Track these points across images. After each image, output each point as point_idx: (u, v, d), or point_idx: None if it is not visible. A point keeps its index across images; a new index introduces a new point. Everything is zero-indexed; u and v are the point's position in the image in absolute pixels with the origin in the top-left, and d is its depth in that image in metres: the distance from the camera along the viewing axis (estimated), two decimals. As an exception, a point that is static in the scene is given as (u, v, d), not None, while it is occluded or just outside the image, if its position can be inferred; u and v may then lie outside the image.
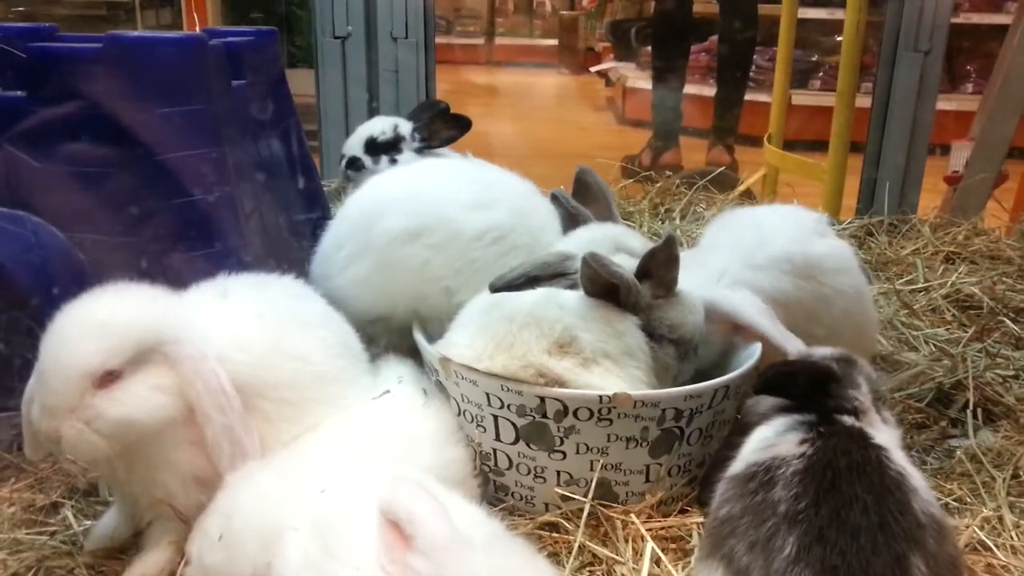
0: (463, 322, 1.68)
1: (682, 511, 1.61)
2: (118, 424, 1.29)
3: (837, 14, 6.00)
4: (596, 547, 1.48)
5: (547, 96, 9.63)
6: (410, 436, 1.54)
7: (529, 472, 1.59)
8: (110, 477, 1.50)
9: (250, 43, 2.15)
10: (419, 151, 2.64)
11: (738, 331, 1.76)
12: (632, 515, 1.54)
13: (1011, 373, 2.13)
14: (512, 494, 1.64)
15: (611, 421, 1.51)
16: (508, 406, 1.54)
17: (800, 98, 6.25)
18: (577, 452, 1.54)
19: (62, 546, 1.50)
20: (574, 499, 1.56)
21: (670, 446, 1.57)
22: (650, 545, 1.45)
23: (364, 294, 1.77)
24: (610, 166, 3.89)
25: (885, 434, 1.32)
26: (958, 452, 1.82)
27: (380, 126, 2.66)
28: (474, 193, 1.80)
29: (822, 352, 1.49)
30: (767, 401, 1.43)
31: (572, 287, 1.63)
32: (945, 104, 4.42)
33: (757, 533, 1.15)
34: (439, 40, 3.99)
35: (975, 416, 1.92)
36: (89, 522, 1.56)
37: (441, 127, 2.65)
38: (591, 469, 1.55)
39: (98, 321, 1.32)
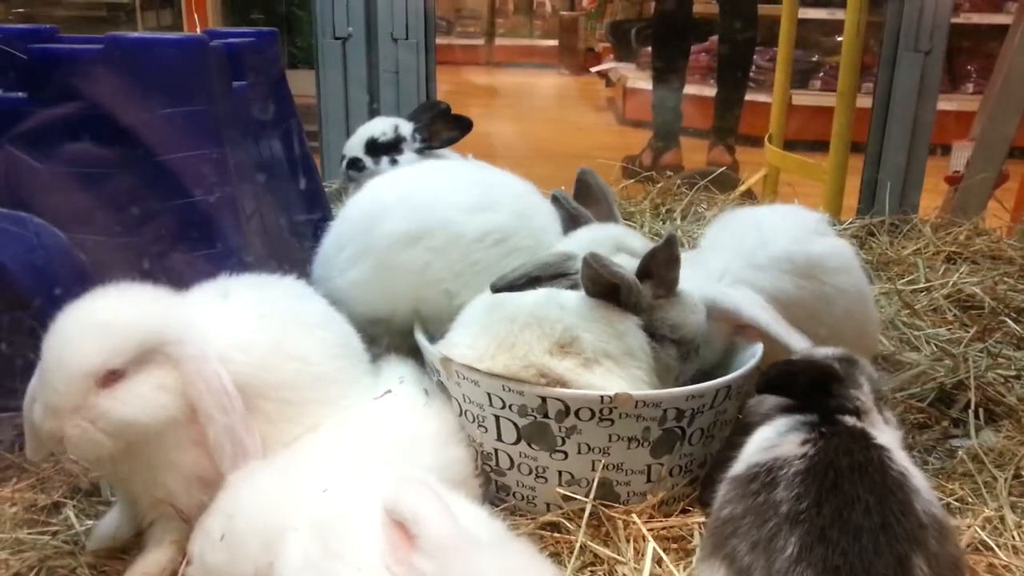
0: (464, 322, 1.68)
1: (683, 511, 1.61)
2: (121, 424, 1.29)
3: (837, 14, 6.00)
4: (597, 547, 1.48)
5: (547, 97, 9.63)
6: (411, 436, 1.54)
7: (531, 472, 1.59)
8: (112, 477, 1.51)
9: (251, 44, 2.15)
10: (420, 152, 2.64)
11: (740, 330, 1.76)
12: (633, 515, 1.54)
13: (1012, 373, 2.12)
14: (513, 494, 1.64)
15: (612, 421, 1.51)
16: (509, 406, 1.54)
17: (801, 98, 6.25)
18: (578, 452, 1.54)
19: (64, 546, 1.50)
20: (575, 499, 1.56)
21: (671, 446, 1.57)
22: (651, 545, 1.45)
23: (365, 296, 1.77)
24: (611, 166, 3.90)
25: (887, 434, 1.32)
26: (960, 452, 1.82)
27: (381, 127, 2.66)
28: (475, 195, 1.80)
29: (824, 352, 1.49)
30: (769, 401, 1.42)
31: (573, 287, 1.64)
32: (946, 104, 4.42)
33: (759, 533, 1.15)
34: (439, 41, 3.99)
35: (977, 416, 1.92)
36: (91, 522, 1.56)
37: (442, 128, 2.65)
38: (592, 469, 1.55)
39: (100, 321, 1.32)
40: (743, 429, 1.43)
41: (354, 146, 2.65)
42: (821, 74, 6.86)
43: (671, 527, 1.54)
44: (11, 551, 1.47)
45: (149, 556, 1.42)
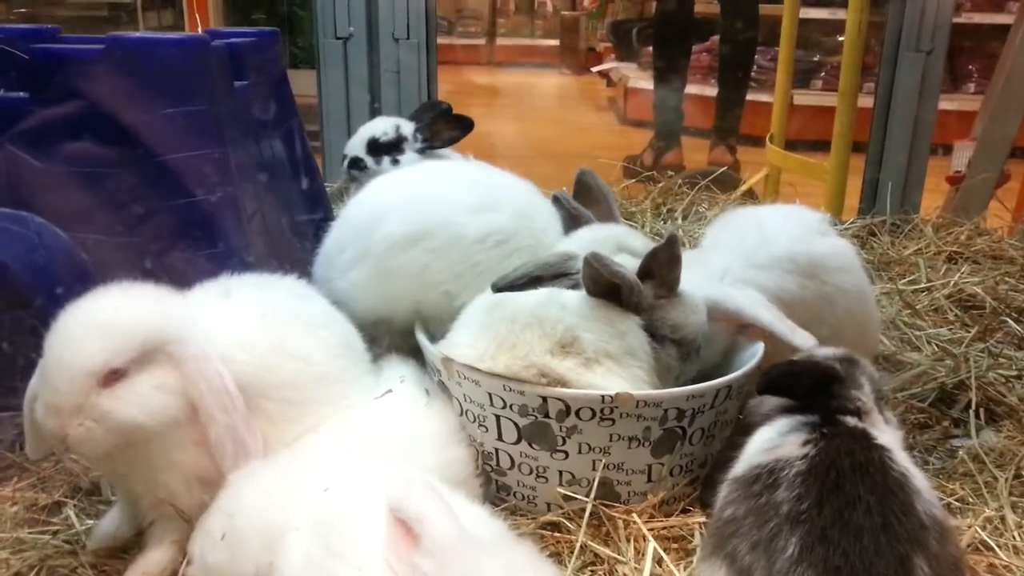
0: (465, 322, 1.68)
1: (684, 511, 1.61)
2: (122, 423, 1.29)
3: (839, 14, 6.00)
4: (598, 547, 1.48)
5: (548, 96, 9.62)
6: (412, 436, 1.54)
7: (531, 472, 1.59)
8: (112, 476, 1.51)
9: (252, 44, 2.15)
10: (421, 152, 2.64)
11: (742, 330, 1.76)
12: (634, 515, 1.54)
13: (1014, 373, 2.12)
14: (514, 494, 1.64)
15: (613, 421, 1.51)
16: (510, 406, 1.54)
17: (802, 98, 6.24)
18: (579, 452, 1.54)
19: (65, 545, 1.50)
20: (576, 499, 1.56)
21: (672, 446, 1.57)
22: (652, 545, 1.45)
23: (365, 298, 1.77)
24: (612, 166, 3.90)
25: (888, 435, 1.32)
26: (960, 452, 1.82)
27: (382, 126, 2.67)
28: (476, 196, 1.80)
29: (825, 352, 1.49)
30: (770, 401, 1.43)
31: (574, 287, 1.64)
32: (947, 104, 4.42)
33: (760, 533, 1.15)
34: (441, 41, 4.00)
35: (977, 416, 1.92)
36: (91, 521, 1.56)
37: (443, 128, 2.65)
38: (593, 469, 1.55)
39: (102, 320, 1.32)
40: (744, 429, 1.44)
41: (355, 146, 2.66)
42: (822, 74, 6.85)
43: (672, 527, 1.54)
44: (12, 550, 1.47)
45: (149, 555, 1.42)
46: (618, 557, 1.46)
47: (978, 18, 6.50)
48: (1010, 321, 2.41)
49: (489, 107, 8.03)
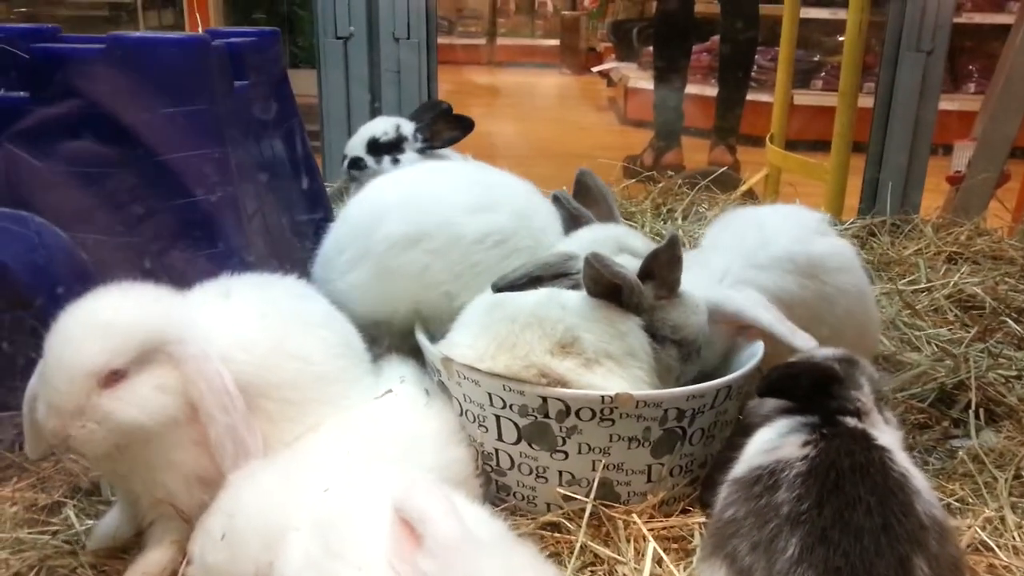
0: (465, 322, 1.68)
1: (684, 511, 1.61)
2: (123, 424, 1.29)
3: (839, 14, 6.00)
4: (598, 547, 1.48)
5: (549, 96, 9.62)
6: (412, 436, 1.54)
7: (531, 472, 1.59)
8: (112, 476, 1.51)
9: (252, 43, 2.15)
10: (421, 151, 2.64)
11: (742, 331, 1.76)
12: (634, 515, 1.54)
13: (1013, 373, 2.12)
14: (514, 494, 1.64)
15: (613, 421, 1.51)
16: (510, 406, 1.54)
17: (802, 98, 6.24)
18: (579, 452, 1.54)
19: (64, 545, 1.50)
20: (576, 499, 1.56)
21: (672, 446, 1.57)
22: (652, 545, 1.45)
23: (364, 299, 1.77)
24: (612, 166, 3.90)
25: (888, 435, 1.32)
26: (960, 452, 1.82)
27: (382, 126, 2.67)
28: (475, 196, 1.80)
29: (824, 353, 1.49)
30: (770, 402, 1.42)
31: (575, 287, 1.64)
32: (947, 104, 4.42)
33: (760, 534, 1.15)
34: (441, 40, 4.00)
35: (977, 416, 1.92)
36: (91, 521, 1.56)
37: (443, 128, 2.65)
38: (593, 469, 1.55)
39: (102, 321, 1.32)
40: (744, 430, 1.44)
41: (356, 146, 2.66)
42: (823, 74, 6.85)
43: (671, 527, 1.54)
44: (11, 550, 1.47)
45: (149, 556, 1.42)
46: (618, 557, 1.46)
47: (979, 18, 6.50)
48: (1010, 321, 2.41)
49: (489, 107, 8.03)
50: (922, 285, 2.68)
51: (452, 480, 1.47)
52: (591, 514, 1.53)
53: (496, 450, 1.61)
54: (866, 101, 3.66)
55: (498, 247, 1.77)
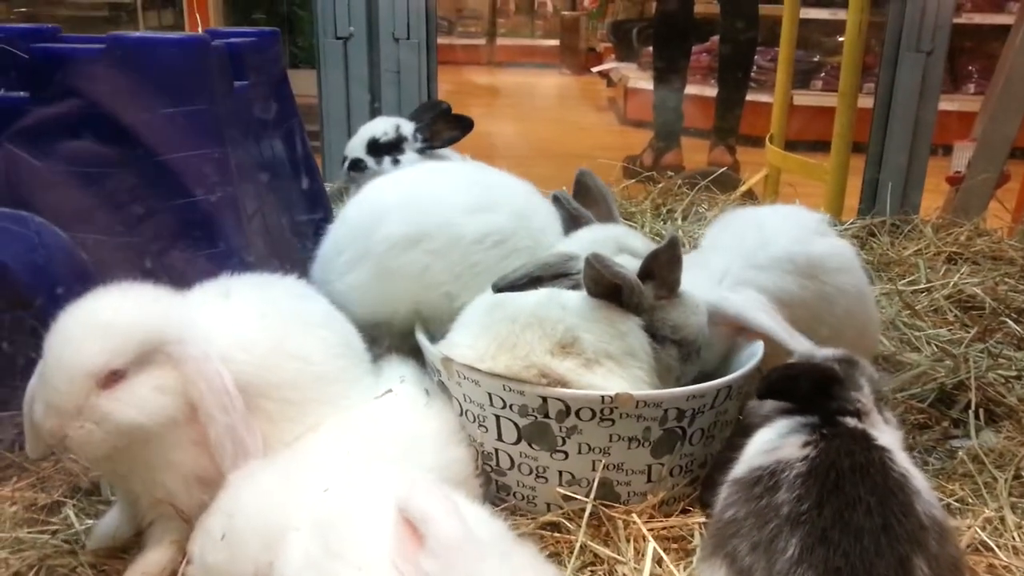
0: (465, 322, 1.68)
1: (684, 511, 1.61)
2: (122, 424, 1.29)
3: (839, 14, 6.01)
4: (598, 547, 1.48)
5: (549, 96, 9.63)
6: (412, 436, 1.54)
7: (531, 472, 1.59)
8: (112, 476, 1.51)
9: (252, 44, 2.15)
10: (421, 152, 2.64)
11: (742, 332, 1.76)
12: (634, 515, 1.54)
13: (1013, 374, 2.12)
14: (514, 494, 1.64)
15: (613, 421, 1.51)
16: (510, 406, 1.54)
17: (802, 98, 6.24)
18: (579, 452, 1.54)
19: (64, 545, 1.50)
20: (576, 499, 1.56)
21: (672, 446, 1.57)
22: (652, 545, 1.45)
23: (364, 300, 1.77)
24: (612, 166, 3.90)
25: (888, 435, 1.32)
26: (960, 453, 1.82)
27: (382, 127, 2.66)
28: (474, 196, 1.80)
29: (824, 353, 1.48)
30: (770, 402, 1.42)
31: (575, 287, 1.64)
32: (947, 104, 4.42)
33: (760, 534, 1.15)
34: (441, 41, 4.00)
35: (977, 417, 1.92)
36: (91, 521, 1.56)
37: (443, 128, 2.65)
38: (593, 469, 1.55)
39: (102, 321, 1.32)
40: (744, 430, 1.43)
41: (356, 147, 2.66)
42: (822, 74, 6.86)
43: (671, 527, 1.54)
44: (11, 550, 1.47)
45: (149, 555, 1.42)
46: (618, 557, 1.46)
47: (978, 18, 6.50)
48: (1010, 322, 2.41)
49: (489, 107, 8.03)
50: (922, 285, 2.68)
51: (452, 480, 1.47)
52: (591, 514, 1.53)
53: (496, 450, 1.61)
54: (866, 101, 3.66)
55: (497, 247, 1.77)
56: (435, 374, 1.67)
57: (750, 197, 3.95)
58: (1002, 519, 1.58)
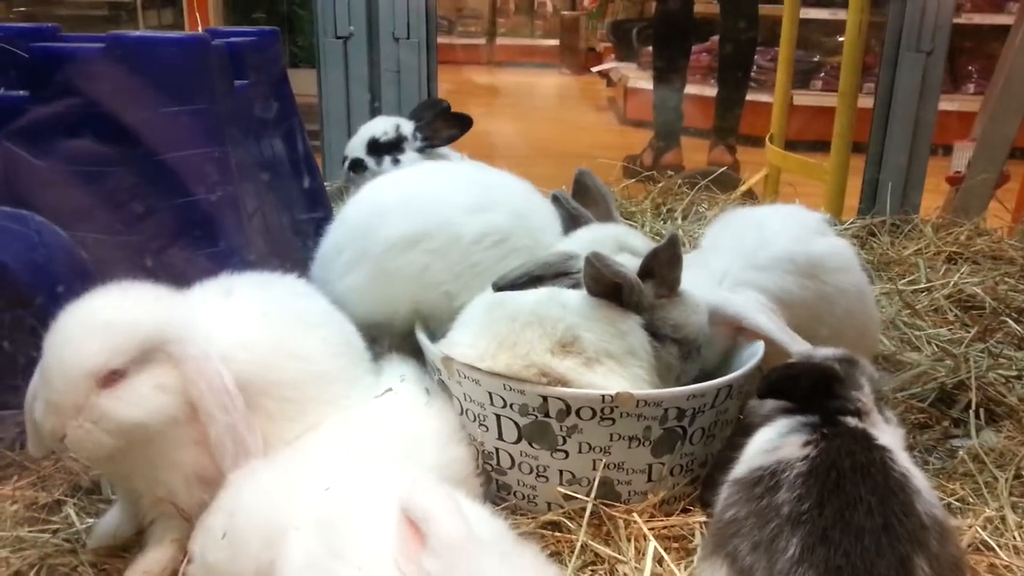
0: (466, 321, 1.68)
1: (684, 510, 1.61)
2: (122, 424, 1.29)
3: (839, 14, 6.01)
4: (598, 546, 1.48)
5: (548, 96, 9.62)
6: (413, 435, 1.54)
7: (531, 471, 1.59)
8: (113, 475, 1.51)
9: (252, 43, 2.15)
10: (421, 151, 2.64)
11: (741, 332, 1.76)
12: (634, 514, 1.54)
13: (1013, 373, 2.12)
14: (514, 493, 1.64)
15: (614, 420, 1.51)
16: (511, 405, 1.54)
17: (802, 98, 6.24)
18: (579, 451, 1.54)
19: (65, 544, 1.50)
20: (576, 498, 1.56)
21: (672, 445, 1.57)
22: (652, 544, 1.45)
23: (363, 301, 1.76)
24: (612, 166, 3.90)
25: (888, 435, 1.32)
26: (960, 452, 1.82)
27: (382, 126, 2.66)
28: (473, 196, 1.80)
29: (824, 353, 1.48)
30: (770, 402, 1.42)
31: (575, 286, 1.64)
32: (947, 104, 4.42)
33: (761, 534, 1.15)
34: (441, 40, 3.99)
35: (977, 416, 1.92)
36: (92, 520, 1.56)
37: (442, 126, 2.65)
38: (593, 468, 1.55)
39: (102, 320, 1.32)
40: (744, 430, 1.44)
41: (356, 147, 2.66)
42: (822, 74, 6.86)
43: (672, 526, 1.54)
44: (12, 549, 1.47)
45: (150, 554, 1.42)
46: (619, 557, 1.45)
47: (978, 19, 6.50)
48: (1010, 321, 2.41)
49: (489, 107, 8.03)
50: (922, 285, 2.68)
51: (453, 479, 1.47)
52: (592, 513, 1.53)
53: (496, 449, 1.61)
54: (866, 101, 3.66)
55: (497, 247, 1.76)
56: (435, 373, 1.67)
57: (750, 197, 3.95)
58: (1003, 519, 1.58)
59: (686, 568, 1.43)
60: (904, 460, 1.25)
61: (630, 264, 1.62)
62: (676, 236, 1.60)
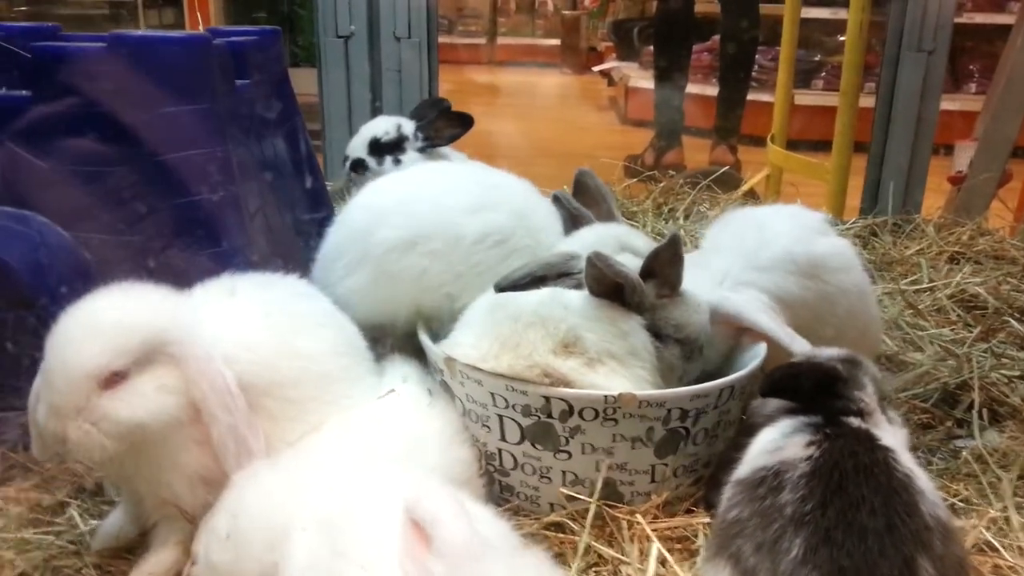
0: (468, 322, 1.68)
1: (688, 511, 1.60)
2: (124, 425, 1.29)
3: (840, 14, 6.00)
4: (602, 547, 1.48)
5: (549, 96, 9.62)
6: (415, 436, 1.54)
7: (534, 472, 1.59)
8: (116, 477, 1.51)
9: (253, 42, 2.15)
10: (423, 150, 2.64)
11: (743, 332, 1.76)
12: (638, 515, 1.53)
13: (1017, 373, 2.12)
14: (517, 494, 1.64)
15: (616, 421, 1.50)
16: (513, 406, 1.54)
17: (803, 98, 6.24)
18: (582, 452, 1.54)
19: (69, 546, 1.50)
20: (579, 499, 1.56)
21: (675, 446, 1.57)
22: (656, 545, 1.44)
23: (365, 303, 1.75)
24: (613, 166, 3.90)
25: (891, 435, 1.32)
26: (964, 452, 1.82)
27: (383, 126, 2.66)
28: (473, 196, 1.79)
29: (827, 353, 1.48)
30: (773, 402, 1.42)
31: (577, 287, 1.63)
32: (949, 104, 4.42)
33: (764, 535, 1.15)
34: (442, 40, 3.99)
35: (981, 416, 1.92)
36: (95, 522, 1.56)
37: (444, 125, 2.65)
38: (596, 469, 1.55)
39: (103, 321, 1.32)
40: (747, 430, 1.43)
41: (357, 147, 2.66)
42: (824, 74, 6.86)
43: (675, 527, 1.54)
44: (16, 551, 1.47)
45: (153, 556, 1.42)
46: (622, 558, 1.45)
47: (980, 18, 6.50)
48: (1013, 321, 2.41)
49: (490, 106, 8.03)
50: (924, 285, 2.68)
51: (455, 480, 1.47)
52: (595, 514, 1.52)
53: (499, 450, 1.61)
54: (867, 101, 3.66)
55: (497, 247, 1.76)
56: (438, 374, 1.67)
57: (752, 196, 3.95)
58: (1007, 519, 1.57)
59: (689, 569, 1.43)
60: (908, 460, 1.25)
61: (632, 264, 1.62)
62: (677, 236, 1.60)
